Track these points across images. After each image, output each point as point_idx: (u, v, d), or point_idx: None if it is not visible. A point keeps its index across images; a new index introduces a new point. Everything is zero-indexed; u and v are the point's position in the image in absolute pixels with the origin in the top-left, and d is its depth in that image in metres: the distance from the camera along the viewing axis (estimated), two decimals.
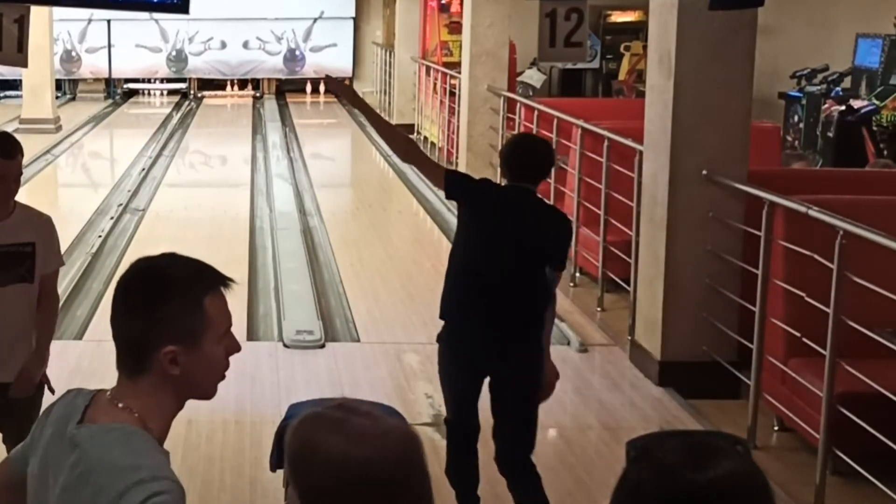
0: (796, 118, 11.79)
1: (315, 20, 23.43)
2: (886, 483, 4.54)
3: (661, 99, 6.38)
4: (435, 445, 4.64)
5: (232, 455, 5.39)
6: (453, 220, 6.66)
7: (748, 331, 5.61)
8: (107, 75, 23.14)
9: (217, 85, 23.72)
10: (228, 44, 23.31)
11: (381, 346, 6.99)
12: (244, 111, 21.19)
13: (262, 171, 14.24)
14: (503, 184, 4.35)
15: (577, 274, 8.51)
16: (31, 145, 14.75)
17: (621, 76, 17.84)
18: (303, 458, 1.62)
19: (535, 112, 9.95)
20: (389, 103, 18.86)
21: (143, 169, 14.02)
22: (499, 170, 4.42)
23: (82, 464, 1.82)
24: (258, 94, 23.32)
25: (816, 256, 4.97)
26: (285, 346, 6.99)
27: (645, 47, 12.28)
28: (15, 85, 20.06)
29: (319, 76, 23.65)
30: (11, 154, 3.78)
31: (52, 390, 3.79)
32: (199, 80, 23.50)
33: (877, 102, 10.67)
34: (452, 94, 13.75)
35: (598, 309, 7.77)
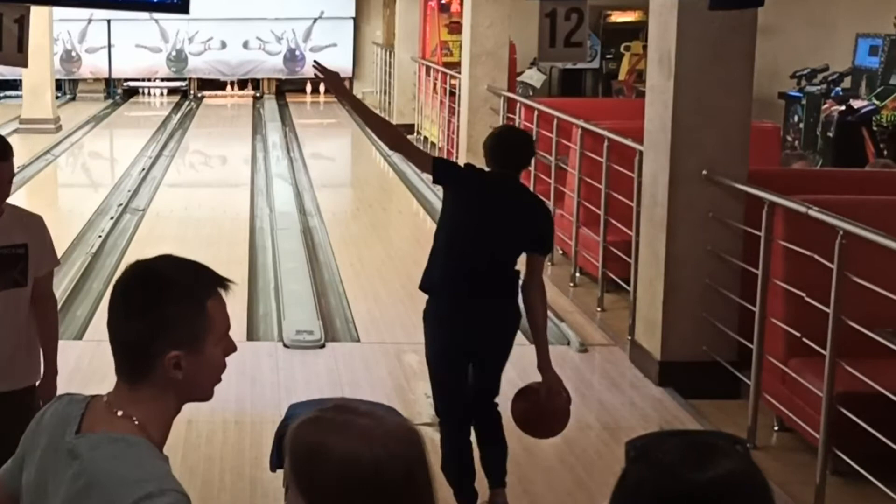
0: (796, 118, 11.79)
1: (315, 20, 23.43)
2: (886, 483, 4.54)
3: (661, 99, 6.38)
4: (435, 445, 4.64)
5: (232, 455, 5.39)
6: None
7: (748, 331, 5.61)
8: (107, 75, 23.13)
9: (217, 85, 23.72)
10: (228, 44, 23.31)
11: (381, 346, 6.99)
12: (244, 111, 21.19)
13: (262, 171, 14.25)
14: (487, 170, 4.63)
15: (577, 274, 8.51)
16: (31, 145, 14.84)
17: (621, 76, 17.83)
18: (309, 461, 1.61)
19: (535, 112, 9.95)
20: (389, 103, 18.86)
21: (143, 169, 14.02)
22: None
23: (84, 476, 1.78)
24: (258, 94, 23.32)
25: (816, 256, 4.97)
26: (285, 346, 6.99)
27: (645, 47, 12.28)
28: (15, 85, 20.07)
29: (319, 76, 23.62)
30: (5, 156, 3.70)
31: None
32: (199, 80, 23.50)
33: (877, 102, 10.67)
34: (452, 94, 13.75)
35: (598, 309, 7.77)
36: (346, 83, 23.00)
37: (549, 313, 7.56)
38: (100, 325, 7.13)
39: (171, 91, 23.41)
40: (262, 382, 6.33)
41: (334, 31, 23.56)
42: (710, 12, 5.62)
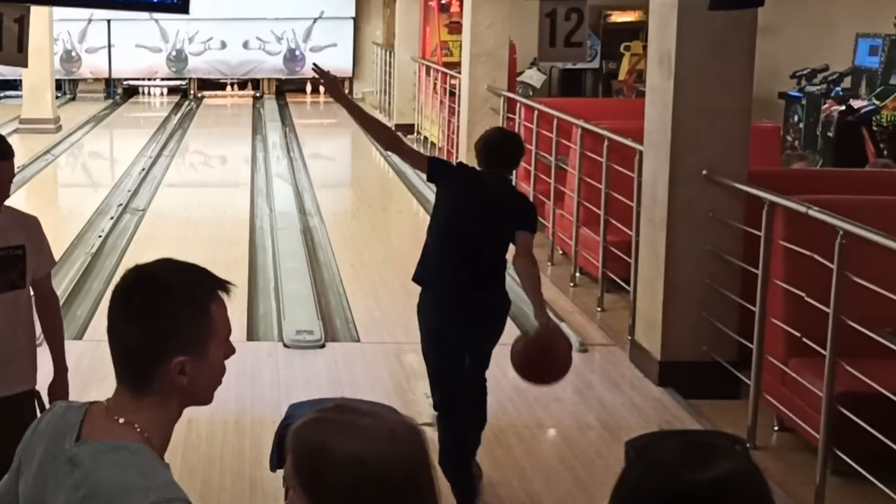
0: (796, 118, 11.79)
1: (315, 20, 23.44)
2: (886, 483, 4.54)
3: (661, 99, 6.38)
4: (435, 445, 4.64)
5: (232, 455, 5.39)
6: None
7: (748, 331, 5.61)
8: (107, 75, 23.14)
9: (217, 85, 23.73)
10: (228, 44, 23.32)
11: (381, 346, 6.99)
12: (244, 111, 21.20)
13: (262, 171, 14.25)
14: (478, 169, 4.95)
15: (577, 274, 8.51)
16: (31, 145, 14.84)
17: (621, 76, 17.83)
18: (314, 461, 1.60)
19: (535, 112, 9.95)
20: (389, 103, 18.86)
21: (143, 169, 14.03)
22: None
23: (86, 485, 1.76)
24: (258, 94, 23.33)
25: (816, 256, 4.97)
26: (285, 346, 6.99)
27: (645, 47, 12.28)
28: (15, 85, 20.07)
29: (318, 80, 23.63)
30: (6, 156, 3.65)
31: (42, 407, 3.72)
32: (199, 80, 23.51)
33: (877, 102, 10.68)
34: (452, 94, 13.75)
35: (598, 309, 7.77)
36: (346, 83, 23.24)
37: (549, 313, 7.59)
38: (100, 325, 7.14)
39: (171, 90, 23.42)
40: (262, 382, 6.33)
41: (334, 31, 23.56)
42: (710, 12, 5.63)
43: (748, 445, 5.29)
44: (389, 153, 5.30)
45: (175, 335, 1.81)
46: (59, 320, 4.03)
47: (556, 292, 8.26)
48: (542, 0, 5.75)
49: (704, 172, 6.13)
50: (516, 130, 10.60)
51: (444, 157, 13.86)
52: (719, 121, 6.16)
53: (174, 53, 23.22)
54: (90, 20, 22.50)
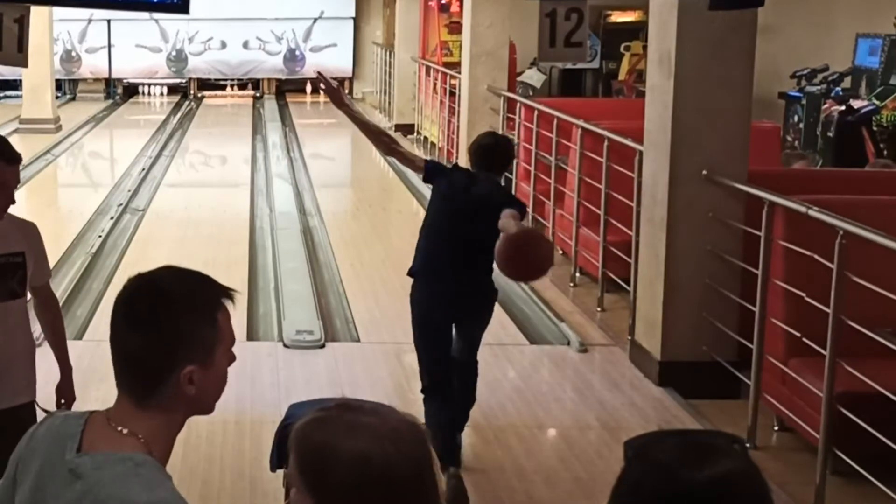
0: (796, 118, 11.79)
1: (315, 20, 23.44)
2: (886, 483, 4.54)
3: (661, 99, 6.38)
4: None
5: (232, 455, 5.39)
6: None
7: (748, 331, 5.61)
8: (107, 75, 23.15)
9: (217, 85, 23.73)
10: (228, 44, 23.32)
11: (381, 346, 6.99)
12: (244, 111, 21.20)
13: (262, 171, 14.25)
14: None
15: (577, 274, 8.51)
16: (31, 145, 14.84)
17: (621, 76, 17.83)
18: (319, 461, 1.60)
19: (535, 112, 9.95)
20: (389, 103, 18.86)
21: (143, 169, 14.03)
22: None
23: (89, 497, 1.73)
24: (258, 94, 23.33)
25: (816, 256, 4.97)
26: (285, 346, 6.98)
27: (645, 47, 12.28)
28: (15, 85, 20.08)
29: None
30: (15, 159, 3.59)
31: (46, 411, 3.71)
32: (199, 80, 23.51)
33: (877, 102, 10.67)
34: (452, 94, 13.75)
35: (598, 309, 7.77)
36: (346, 83, 23.26)
37: (549, 313, 7.61)
38: (100, 325, 7.15)
39: (171, 90, 23.42)
40: (262, 382, 6.33)
41: (334, 31, 23.57)
42: (710, 12, 5.63)
43: (747, 445, 5.29)
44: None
45: (184, 344, 1.80)
46: (61, 321, 3.99)
47: (556, 292, 8.26)
48: (542, 0, 5.75)
49: (704, 172, 6.13)
50: (516, 130, 10.62)
51: (445, 157, 13.87)
52: (719, 121, 6.16)
53: (174, 53, 23.22)
54: (90, 20, 22.51)
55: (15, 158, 3.58)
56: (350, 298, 8.08)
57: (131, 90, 23.48)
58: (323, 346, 7.00)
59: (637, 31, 17.27)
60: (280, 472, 4.43)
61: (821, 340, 4.85)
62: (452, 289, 4.98)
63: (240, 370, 6.29)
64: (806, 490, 4.82)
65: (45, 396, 3.84)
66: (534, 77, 17.24)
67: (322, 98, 22.88)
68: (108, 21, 22.59)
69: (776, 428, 5.63)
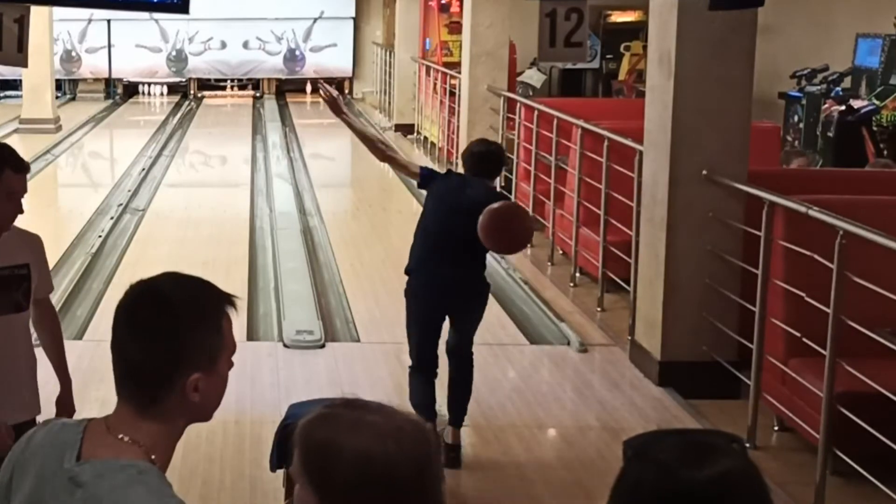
0: (796, 118, 11.79)
1: (315, 20, 23.44)
2: (886, 483, 4.54)
3: (661, 99, 6.38)
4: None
5: (232, 455, 5.39)
6: None
7: (748, 331, 5.61)
8: (107, 75, 23.15)
9: (217, 85, 23.73)
10: (228, 44, 23.32)
11: (381, 346, 6.99)
12: (244, 111, 21.20)
13: (262, 171, 14.25)
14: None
15: (577, 274, 8.51)
16: (31, 145, 14.83)
17: (621, 76, 17.83)
18: (322, 457, 1.61)
19: (535, 112, 9.95)
20: (389, 103, 18.85)
21: (143, 169, 14.03)
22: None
23: None
24: (258, 94, 23.33)
25: (816, 256, 4.97)
26: (285, 346, 6.98)
27: (645, 47, 12.28)
28: (15, 85, 20.08)
29: (319, 76, 23.68)
30: (23, 168, 3.50)
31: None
32: (199, 80, 23.51)
33: (877, 102, 10.67)
34: (452, 94, 13.75)
35: (598, 309, 7.77)
36: (346, 83, 23.25)
37: (549, 313, 7.61)
38: (100, 325, 7.15)
39: (171, 89, 23.42)
40: (262, 382, 6.33)
41: (334, 31, 23.57)
42: (710, 12, 5.63)
43: (747, 445, 5.29)
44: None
45: (190, 352, 1.79)
46: (61, 334, 3.89)
47: (556, 292, 8.26)
48: (542, 0, 5.75)
49: (704, 172, 6.13)
50: (516, 130, 10.63)
51: (445, 157, 13.88)
52: (719, 121, 6.16)
53: (174, 53, 23.22)
54: (90, 20, 22.51)
55: (23, 167, 3.50)
56: (350, 298, 8.08)
57: (131, 90, 23.47)
58: (323, 346, 7.00)
59: (637, 31, 17.27)
60: (280, 472, 4.44)
61: (821, 340, 4.85)
62: (446, 283, 5.23)
63: (240, 370, 6.28)
64: (806, 490, 4.82)
65: (44, 407, 3.80)
66: (534, 77, 17.24)
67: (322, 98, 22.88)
68: (108, 21, 22.60)
69: (776, 428, 5.63)
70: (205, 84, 23.61)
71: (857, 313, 4.72)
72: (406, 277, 5.42)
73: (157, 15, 20.00)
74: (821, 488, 4.76)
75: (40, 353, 3.81)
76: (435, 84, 15.16)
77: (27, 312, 3.61)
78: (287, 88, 23.62)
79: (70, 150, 16.32)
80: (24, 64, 5.62)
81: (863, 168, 8.86)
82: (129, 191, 12.48)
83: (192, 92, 23.27)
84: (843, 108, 10.79)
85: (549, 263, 9.09)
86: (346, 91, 23.81)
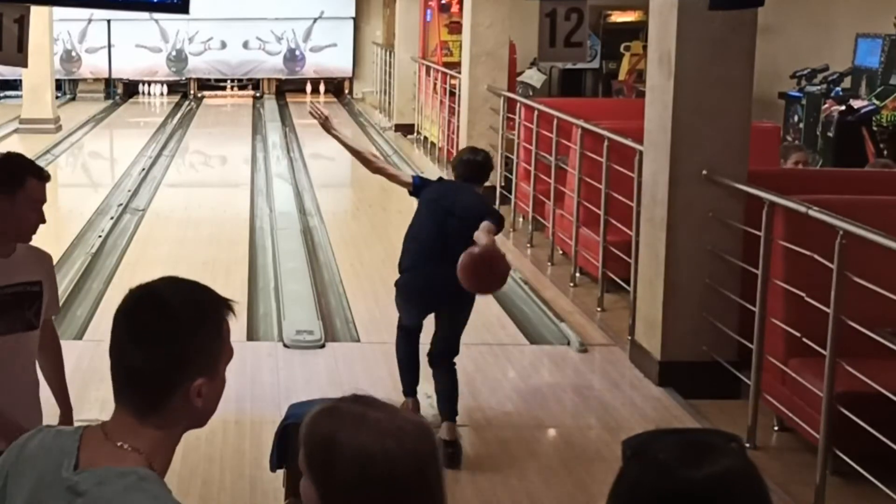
0: (796, 118, 11.79)
1: (315, 20, 23.45)
2: (886, 483, 4.54)
3: (661, 99, 6.38)
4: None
5: (232, 455, 5.39)
6: None
7: (748, 331, 5.61)
8: (107, 75, 23.15)
9: (217, 85, 23.73)
10: (228, 44, 23.33)
11: (381, 346, 6.98)
12: (244, 111, 21.20)
13: (262, 171, 14.25)
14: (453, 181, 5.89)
15: (577, 274, 8.51)
16: (31, 145, 14.83)
17: (621, 76, 17.82)
18: (323, 453, 1.61)
19: (535, 112, 9.95)
20: (389, 103, 18.85)
21: (143, 169, 14.03)
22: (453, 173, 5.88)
23: None
24: (258, 94, 23.33)
25: (816, 256, 4.97)
26: (285, 346, 6.99)
27: (645, 47, 12.28)
28: (15, 85, 20.08)
29: (319, 76, 23.70)
30: (47, 177, 3.44)
31: None
32: (199, 80, 23.51)
33: (877, 102, 10.67)
34: (452, 94, 13.74)
35: (598, 309, 7.77)
36: (346, 83, 23.27)
37: (549, 313, 7.61)
38: (100, 325, 7.15)
39: (171, 89, 23.42)
40: (262, 382, 6.33)
41: (334, 31, 23.57)
42: (710, 12, 5.63)
43: (746, 445, 5.29)
44: (390, 154, 5.83)
45: (194, 358, 1.78)
46: (62, 360, 3.77)
47: (556, 292, 8.26)
48: (542, 0, 5.75)
49: (704, 172, 6.13)
50: (516, 130, 10.63)
51: (445, 157, 13.88)
52: (719, 121, 6.16)
53: (174, 53, 23.23)
54: (90, 20, 22.51)
55: (45, 176, 3.45)
56: (350, 298, 8.08)
57: (131, 89, 23.47)
58: (323, 346, 7.00)
59: (637, 31, 17.26)
60: (280, 472, 4.44)
61: (821, 340, 4.85)
62: (437, 283, 5.46)
63: (240, 370, 6.34)
64: (806, 490, 4.82)
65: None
66: (534, 77, 17.24)
67: (322, 99, 22.89)
68: (108, 21, 22.60)
69: (776, 428, 5.63)
70: (205, 84, 23.62)
71: (857, 313, 4.72)
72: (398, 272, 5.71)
73: (157, 15, 20.01)
74: (821, 488, 4.76)
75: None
76: (435, 84, 15.16)
77: (37, 332, 3.50)
78: (287, 88, 23.63)
79: (70, 150, 16.32)
80: (24, 64, 5.63)
81: (863, 168, 8.86)
82: (129, 191, 12.48)
83: (192, 92, 23.28)
84: (843, 108, 10.79)
85: (549, 263, 9.09)
86: (346, 91, 23.82)
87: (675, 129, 6.22)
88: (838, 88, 11.61)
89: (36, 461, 1.80)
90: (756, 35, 6.21)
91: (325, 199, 12.25)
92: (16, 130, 16.90)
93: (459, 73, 12.99)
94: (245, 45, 23.41)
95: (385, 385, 6.32)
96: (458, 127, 12.93)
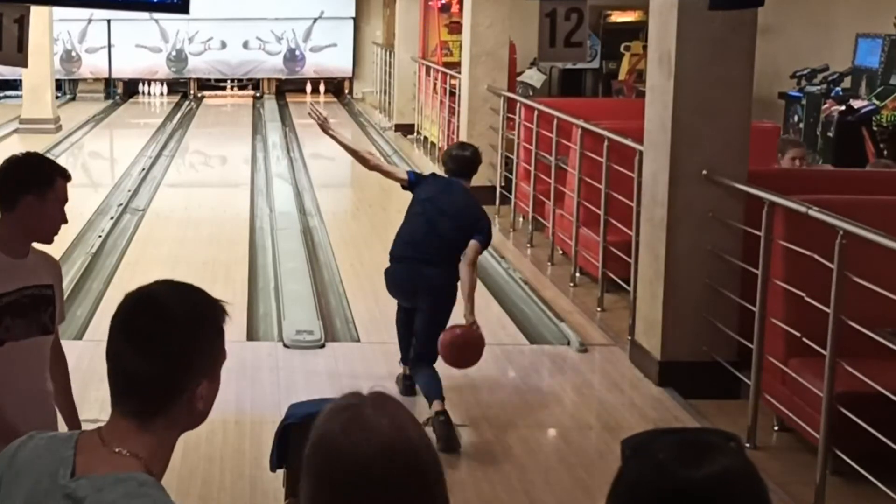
0: (796, 118, 11.79)
1: (315, 20, 23.45)
2: (886, 483, 4.54)
3: (661, 99, 6.38)
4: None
5: (232, 455, 5.39)
6: None
7: (748, 331, 5.61)
8: (107, 75, 23.15)
9: (217, 85, 23.73)
10: (228, 44, 23.33)
11: (381, 346, 6.98)
12: (244, 111, 21.20)
13: (262, 171, 14.25)
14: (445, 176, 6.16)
15: (577, 274, 8.51)
16: (31, 145, 14.81)
17: (621, 76, 17.82)
18: (323, 453, 1.61)
19: (535, 112, 9.95)
20: (389, 103, 18.85)
21: (143, 169, 14.03)
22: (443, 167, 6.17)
23: None
24: (258, 94, 23.33)
25: (816, 256, 4.97)
26: (285, 346, 6.99)
27: (645, 47, 12.27)
28: (15, 85, 20.08)
29: (319, 76, 23.69)
30: (70, 177, 3.44)
31: None
32: (199, 80, 23.51)
33: (877, 102, 10.67)
34: (452, 94, 13.74)
35: (598, 309, 7.77)
36: (346, 83, 23.27)
37: (549, 313, 7.61)
38: (100, 325, 7.14)
39: (171, 89, 23.41)
40: (261, 382, 6.33)
41: (334, 31, 23.57)
42: (710, 12, 5.63)
43: (747, 445, 5.29)
44: (390, 154, 5.97)
45: (197, 361, 1.78)
46: (68, 373, 3.70)
47: (556, 292, 8.26)
48: (542, 0, 5.75)
49: (704, 172, 6.13)
50: (516, 130, 10.63)
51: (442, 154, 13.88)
52: (719, 121, 6.16)
53: (174, 53, 23.23)
54: (90, 20, 22.51)
55: (69, 176, 3.46)
56: (350, 298, 8.08)
57: (131, 88, 23.47)
58: (323, 346, 7.00)
59: (637, 31, 17.26)
60: (280, 472, 4.44)
61: (821, 340, 4.85)
62: (415, 276, 5.78)
63: (240, 370, 6.34)
64: (806, 490, 4.82)
65: None
66: (534, 77, 17.23)
67: (322, 99, 22.90)
68: (108, 21, 22.60)
69: (776, 428, 5.63)
70: (205, 84, 23.62)
71: (857, 313, 4.73)
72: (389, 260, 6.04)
73: (157, 15, 20.01)
74: (821, 488, 4.76)
75: None
76: (435, 84, 15.16)
77: (51, 337, 3.46)
78: (287, 88, 23.62)
79: (70, 150, 16.31)
80: (24, 64, 5.63)
81: (863, 168, 8.86)
82: (129, 191, 12.48)
83: (192, 92, 23.28)
84: (843, 108, 10.79)
85: (549, 263, 9.09)
86: (346, 91, 23.83)
87: (675, 129, 6.22)
88: (838, 88, 11.61)
89: (30, 469, 1.78)
90: (756, 35, 6.22)
91: (325, 199, 12.25)
92: (16, 130, 16.90)
93: (459, 73, 12.98)
94: (245, 45, 23.41)
95: (385, 385, 6.33)
96: (458, 127, 12.93)
